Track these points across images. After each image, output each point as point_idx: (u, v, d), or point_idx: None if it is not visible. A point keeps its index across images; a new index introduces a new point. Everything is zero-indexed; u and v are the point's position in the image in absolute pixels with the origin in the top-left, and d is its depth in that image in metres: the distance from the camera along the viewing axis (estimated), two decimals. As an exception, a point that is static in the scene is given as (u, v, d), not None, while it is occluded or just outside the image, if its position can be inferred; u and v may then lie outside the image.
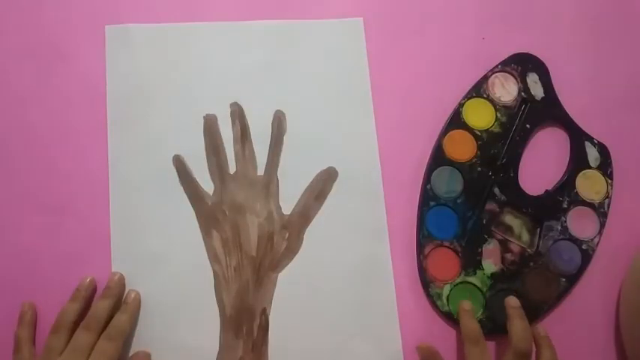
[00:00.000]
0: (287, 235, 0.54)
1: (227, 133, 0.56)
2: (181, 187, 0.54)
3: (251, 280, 0.53)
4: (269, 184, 0.55)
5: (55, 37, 0.57)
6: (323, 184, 0.55)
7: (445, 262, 0.54)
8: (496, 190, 0.56)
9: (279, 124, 0.56)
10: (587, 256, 0.55)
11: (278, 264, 0.53)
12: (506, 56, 0.59)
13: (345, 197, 0.55)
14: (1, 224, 0.53)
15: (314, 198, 0.55)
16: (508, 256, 0.54)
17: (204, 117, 0.56)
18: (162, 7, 0.58)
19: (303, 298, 0.53)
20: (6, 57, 0.56)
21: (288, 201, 0.55)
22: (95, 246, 0.53)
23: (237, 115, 0.56)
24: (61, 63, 0.56)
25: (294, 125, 0.56)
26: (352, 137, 0.57)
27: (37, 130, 0.55)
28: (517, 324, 0.50)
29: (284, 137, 0.56)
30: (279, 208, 0.55)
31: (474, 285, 0.54)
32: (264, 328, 0.52)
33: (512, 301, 0.52)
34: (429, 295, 0.54)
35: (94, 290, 0.51)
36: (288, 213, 0.55)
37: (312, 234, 0.54)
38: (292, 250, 0.54)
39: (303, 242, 0.54)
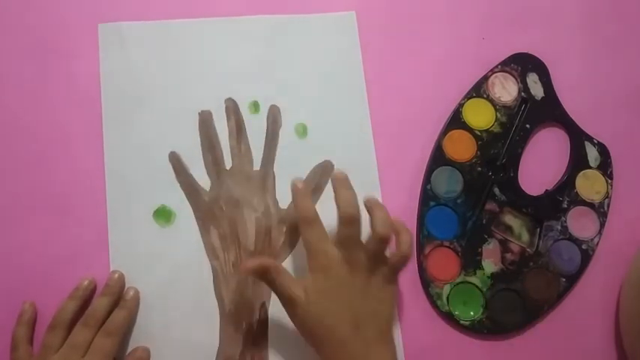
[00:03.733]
0: (284, 229, 0.54)
1: (222, 128, 0.55)
2: (178, 184, 0.54)
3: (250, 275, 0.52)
4: (265, 178, 0.55)
5: (49, 36, 0.56)
6: (319, 177, 0.55)
7: (445, 262, 0.54)
8: (496, 190, 0.55)
9: (274, 119, 0.56)
10: (587, 256, 0.54)
11: (276, 258, 0.53)
12: (506, 56, 0.59)
13: None
14: (-1, 224, 0.52)
15: (310, 192, 0.54)
16: (508, 256, 0.54)
17: (199, 113, 0.55)
18: (154, 5, 0.58)
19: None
20: (-1, 57, 0.56)
21: (285, 195, 0.54)
22: (93, 245, 0.52)
23: (232, 110, 0.56)
24: (55, 62, 0.55)
25: (289, 120, 0.56)
26: (347, 131, 0.56)
27: (31, 129, 0.54)
28: (343, 193, 0.48)
29: (279, 132, 0.56)
30: (276, 202, 0.54)
31: (474, 285, 0.53)
32: (264, 322, 0.51)
33: (338, 173, 0.49)
34: (429, 295, 0.53)
35: (94, 290, 0.51)
36: (285, 207, 0.54)
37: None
38: (290, 244, 0.53)
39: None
